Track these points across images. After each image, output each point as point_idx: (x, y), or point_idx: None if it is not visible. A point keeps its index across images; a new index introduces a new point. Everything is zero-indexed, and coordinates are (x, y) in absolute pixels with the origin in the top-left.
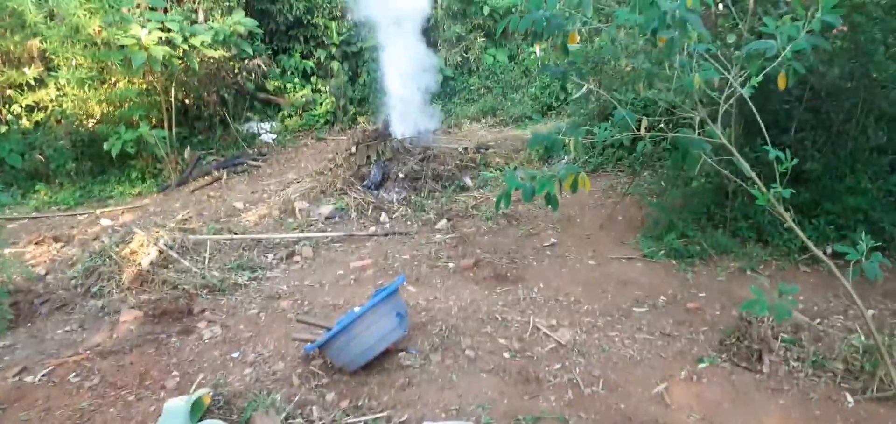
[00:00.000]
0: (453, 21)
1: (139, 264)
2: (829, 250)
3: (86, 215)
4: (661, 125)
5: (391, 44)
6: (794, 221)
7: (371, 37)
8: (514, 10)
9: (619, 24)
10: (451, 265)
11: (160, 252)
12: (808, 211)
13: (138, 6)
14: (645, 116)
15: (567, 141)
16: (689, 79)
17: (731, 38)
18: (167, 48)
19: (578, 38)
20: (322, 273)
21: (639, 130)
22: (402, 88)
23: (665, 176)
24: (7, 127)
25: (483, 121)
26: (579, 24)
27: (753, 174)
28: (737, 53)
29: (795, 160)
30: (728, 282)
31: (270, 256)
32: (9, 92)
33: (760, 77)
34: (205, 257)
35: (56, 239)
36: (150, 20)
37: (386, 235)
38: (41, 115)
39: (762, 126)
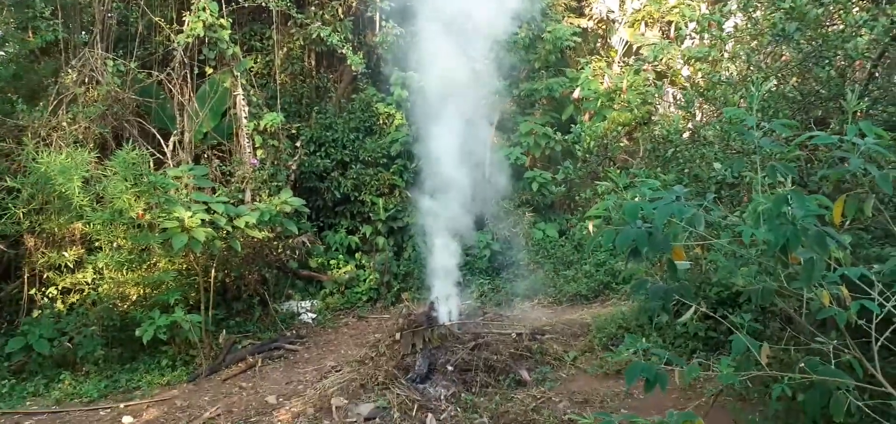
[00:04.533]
0: (500, 196)
1: None
2: None
3: (108, 410)
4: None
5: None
6: None
7: (417, 212)
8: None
9: (745, 240)
10: None
11: None
12: None
13: (186, 187)
14: (766, 342)
15: (675, 374)
16: (837, 311)
17: (846, 239)
18: (210, 230)
19: (684, 254)
20: None
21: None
22: (449, 263)
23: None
24: (40, 312)
25: (535, 300)
26: (685, 240)
27: None
28: (877, 268)
29: None
30: None
31: None
32: (47, 274)
33: None
34: None
35: None
36: (196, 202)
37: None
38: (76, 297)
39: None
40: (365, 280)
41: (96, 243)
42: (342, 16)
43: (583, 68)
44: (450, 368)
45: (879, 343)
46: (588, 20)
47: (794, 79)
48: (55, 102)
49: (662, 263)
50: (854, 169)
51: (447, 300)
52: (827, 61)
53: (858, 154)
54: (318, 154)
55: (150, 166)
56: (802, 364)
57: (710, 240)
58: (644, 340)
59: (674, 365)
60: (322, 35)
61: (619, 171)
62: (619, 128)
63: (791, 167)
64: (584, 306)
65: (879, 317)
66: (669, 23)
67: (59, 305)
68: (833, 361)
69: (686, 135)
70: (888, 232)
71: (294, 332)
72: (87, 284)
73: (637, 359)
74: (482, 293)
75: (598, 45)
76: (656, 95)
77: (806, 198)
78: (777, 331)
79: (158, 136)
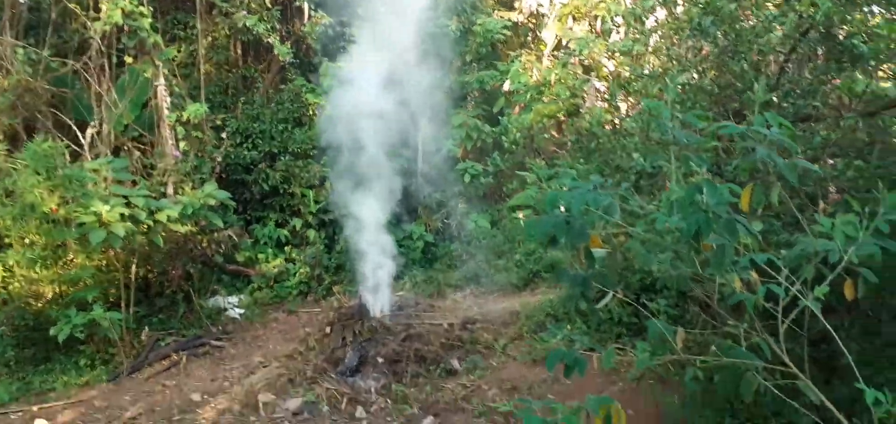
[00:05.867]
0: (433, 187)
1: None
2: None
3: (20, 414)
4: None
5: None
6: None
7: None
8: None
9: (659, 228)
10: None
11: None
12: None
13: (104, 180)
14: (681, 327)
15: (594, 359)
16: (745, 296)
17: (757, 226)
18: (129, 224)
19: (601, 242)
20: None
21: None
22: (379, 258)
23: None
24: None
25: (468, 289)
26: (603, 228)
27: (840, 415)
28: (783, 253)
29: None
30: None
31: None
32: None
33: (826, 289)
34: None
35: None
36: (114, 195)
37: None
38: None
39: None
40: (295, 274)
41: (6, 240)
42: (269, 5)
43: (513, 62)
44: (380, 360)
45: (785, 326)
46: (518, 14)
47: (712, 72)
48: None
49: (580, 251)
50: (761, 158)
51: (378, 292)
52: (742, 55)
53: (765, 144)
54: (245, 146)
55: (65, 159)
56: (714, 347)
57: (626, 228)
58: (569, 327)
59: (596, 351)
60: (248, 24)
61: (545, 162)
62: (545, 119)
63: (704, 158)
64: (514, 294)
65: (786, 301)
66: (596, 17)
67: None
68: (744, 343)
69: (609, 127)
70: (798, 220)
71: (220, 328)
72: None
73: (559, 346)
74: (415, 283)
75: (529, 38)
76: (583, 89)
77: (718, 187)
78: (697, 316)
79: (75, 128)
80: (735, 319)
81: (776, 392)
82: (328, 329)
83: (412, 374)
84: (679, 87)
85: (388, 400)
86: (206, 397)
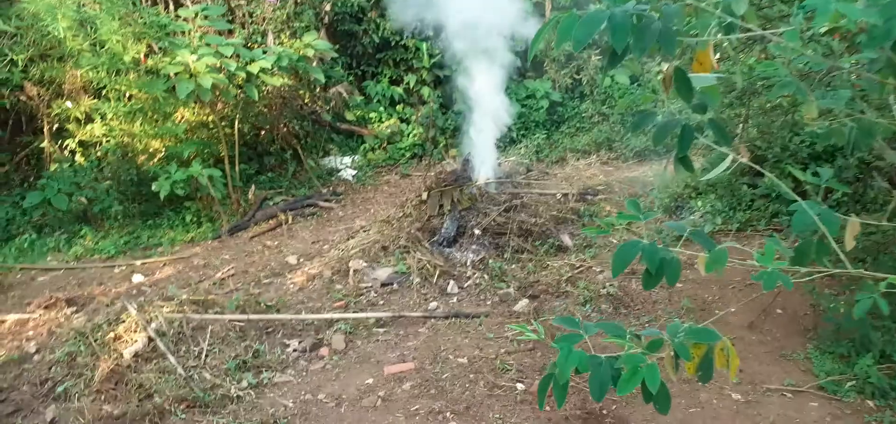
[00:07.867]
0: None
1: (120, 355)
2: None
3: (124, 267)
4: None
5: (479, 65)
6: None
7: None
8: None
9: (818, 24)
10: (519, 385)
11: (149, 340)
12: None
13: (199, 30)
14: (854, 216)
15: (699, 260)
16: None
17: None
18: (220, 76)
19: (715, 61)
20: (346, 380)
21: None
22: (487, 119)
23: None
24: (57, 166)
25: (595, 155)
26: (715, 34)
27: None
28: None
29: None
30: None
31: (293, 344)
32: (64, 126)
33: None
34: (202, 350)
35: (69, 302)
36: (207, 45)
37: (446, 317)
38: (97, 151)
39: None
40: (408, 135)
41: (106, 94)
42: None
43: None
44: (478, 232)
45: None
46: None
47: None
48: None
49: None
50: None
51: (484, 156)
52: None
53: None
54: None
55: (140, 1)
56: None
57: (758, 32)
58: (699, 203)
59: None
60: None
61: None
62: None
63: None
64: (650, 162)
65: None
66: None
67: (79, 159)
68: None
69: None
70: None
71: (330, 189)
72: (101, 137)
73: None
74: (536, 148)
75: None
76: None
77: None
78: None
79: None
80: None
81: None
82: (425, 195)
83: (515, 249)
84: None
85: (484, 276)
86: (301, 260)
